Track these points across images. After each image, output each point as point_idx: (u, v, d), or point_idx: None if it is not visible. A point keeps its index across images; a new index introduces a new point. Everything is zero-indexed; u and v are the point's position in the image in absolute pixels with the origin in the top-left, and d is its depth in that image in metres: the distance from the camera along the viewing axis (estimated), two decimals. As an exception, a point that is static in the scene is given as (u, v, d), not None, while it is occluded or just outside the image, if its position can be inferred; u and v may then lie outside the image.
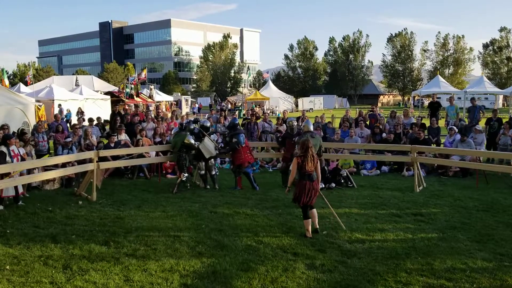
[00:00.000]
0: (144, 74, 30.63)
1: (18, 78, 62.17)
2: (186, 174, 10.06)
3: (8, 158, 8.71)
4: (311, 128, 9.98)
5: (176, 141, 10.32)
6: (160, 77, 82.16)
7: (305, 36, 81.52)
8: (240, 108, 43.56)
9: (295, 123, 10.77)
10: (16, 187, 8.70)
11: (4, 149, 8.71)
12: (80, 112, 14.73)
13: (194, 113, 21.63)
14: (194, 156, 10.35)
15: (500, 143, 12.27)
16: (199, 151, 10.21)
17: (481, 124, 14.50)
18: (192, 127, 10.50)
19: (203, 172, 10.43)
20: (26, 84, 29.30)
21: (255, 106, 41.84)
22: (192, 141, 10.09)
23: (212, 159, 10.43)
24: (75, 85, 30.05)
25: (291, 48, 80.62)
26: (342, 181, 10.42)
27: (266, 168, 13.10)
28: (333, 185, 10.28)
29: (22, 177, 8.83)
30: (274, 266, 5.63)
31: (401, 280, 5.20)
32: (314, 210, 6.94)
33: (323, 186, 10.03)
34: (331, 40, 78.41)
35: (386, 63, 75.36)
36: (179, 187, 9.96)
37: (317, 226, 6.93)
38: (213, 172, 10.39)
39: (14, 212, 8.26)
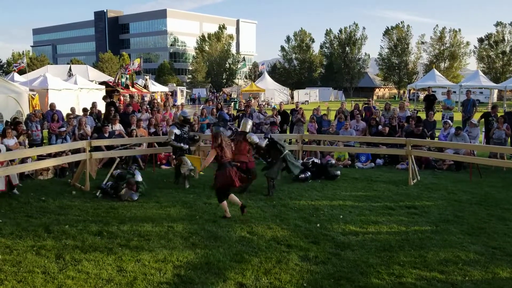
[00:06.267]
0: (137, 64, 30.35)
1: (12, 67, 61.48)
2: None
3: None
4: (247, 128, 8.91)
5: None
6: (156, 68, 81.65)
7: (301, 28, 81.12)
8: (236, 100, 43.40)
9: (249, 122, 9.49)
10: (9, 180, 8.59)
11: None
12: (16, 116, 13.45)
13: (174, 105, 21.05)
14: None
15: (494, 137, 12.28)
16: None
17: (476, 118, 14.52)
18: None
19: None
20: (20, 73, 28.95)
21: (251, 99, 41.70)
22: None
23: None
24: (68, 75, 29.70)
25: (288, 39, 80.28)
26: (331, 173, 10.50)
27: (260, 160, 13.07)
28: (308, 173, 10.22)
29: (15, 166, 8.77)
30: (268, 258, 5.63)
31: (394, 272, 5.22)
32: (232, 195, 7.36)
33: (303, 175, 10.07)
34: (328, 33, 78.11)
35: (382, 56, 75.29)
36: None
37: (241, 202, 7.34)
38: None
39: (7, 201, 8.21)
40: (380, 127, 13.22)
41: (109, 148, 11.19)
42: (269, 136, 9.54)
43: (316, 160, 11.00)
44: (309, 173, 10.28)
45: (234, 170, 7.25)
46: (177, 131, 9.66)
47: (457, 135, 11.84)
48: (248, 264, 5.42)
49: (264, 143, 9.21)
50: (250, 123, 9.17)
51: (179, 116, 10.21)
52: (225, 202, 7.29)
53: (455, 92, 31.40)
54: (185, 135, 9.82)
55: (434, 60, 67.93)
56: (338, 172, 10.65)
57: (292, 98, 52.22)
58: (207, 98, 38.44)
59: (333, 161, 10.98)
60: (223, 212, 7.35)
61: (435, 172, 11.36)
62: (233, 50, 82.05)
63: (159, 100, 27.88)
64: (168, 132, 9.97)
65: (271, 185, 8.98)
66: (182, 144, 9.65)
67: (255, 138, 9.00)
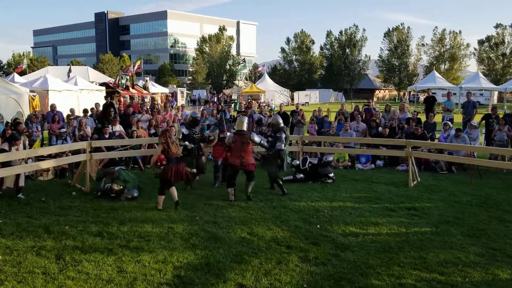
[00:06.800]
0: (137, 65, 30.36)
1: (13, 67, 61.44)
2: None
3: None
4: (244, 126, 8.91)
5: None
6: (156, 69, 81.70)
7: (302, 29, 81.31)
8: (236, 101, 43.33)
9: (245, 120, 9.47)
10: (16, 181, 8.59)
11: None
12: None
13: (172, 107, 21.01)
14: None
15: (496, 139, 12.26)
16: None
17: (476, 120, 14.53)
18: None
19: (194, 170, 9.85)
20: (20, 74, 28.96)
21: (252, 100, 41.70)
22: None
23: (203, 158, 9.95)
24: (68, 76, 29.63)
25: (288, 41, 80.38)
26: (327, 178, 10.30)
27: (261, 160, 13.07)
28: (300, 175, 10.23)
29: (16, 166, 8.75)
30: (268, 259, 5.63)
31: (394, 273, 5.22)
32: (174, 188, 7.94)
33: (291, 177, 10.12)
34: (329, 34, 78.18)
35: (382, 57, 75.34)
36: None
37: (177, 198, 7.93)
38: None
39: (7, 202, 8.21)
40: (380, 128, 13.22)
41: (109, 149, 11.19)
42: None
43: (311, 160, 10.84)
44: (302, 175, 10.23)
45: (181, 165, 7.90)
46: (185, 131, 9.69)
47: (457, 137, 11.85)
48: (248, 265, 5.42)
49: (265, 143, 9.24)
50: (246, 120, 9.20)
51: (188, 117, 10.26)
52: (162, 196, 7.88)
53: (455, 94, 31.42)
54: (194, 135, 9.82)
55: (434, 62, 68.00)
56: (329, 169, 10.41)
57: (292, 99, 52.30)
58: (206, 100, 38.49)
59: (330, 158, 10.78)
60: (158, 204, 7.90)
61: (435, 174, 11.35)
62: (233, 51, 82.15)
63: (159, 101, 27.91)
64: (177, 132, 9.97)
65: (278, 183, 9.03)
66: (187, 143, 9.64)
67: (257, 138, 9.01)
